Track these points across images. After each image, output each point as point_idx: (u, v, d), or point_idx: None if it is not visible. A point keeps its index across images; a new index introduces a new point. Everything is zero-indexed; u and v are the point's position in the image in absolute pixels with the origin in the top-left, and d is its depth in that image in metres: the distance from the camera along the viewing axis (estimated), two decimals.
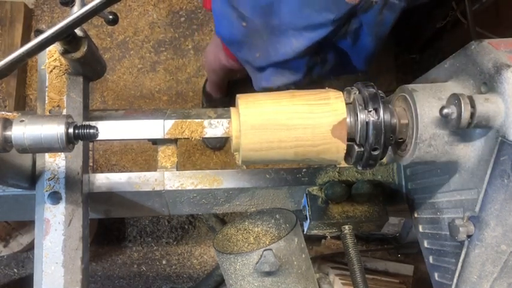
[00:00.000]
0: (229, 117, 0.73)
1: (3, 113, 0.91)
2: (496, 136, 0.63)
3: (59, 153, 0.89)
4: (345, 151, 0.71)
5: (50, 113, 0.91)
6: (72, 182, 0.88)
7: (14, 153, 0.74)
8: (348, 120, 0.70)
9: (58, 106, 0.91)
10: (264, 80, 1.25)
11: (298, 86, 1.81)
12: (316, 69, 1.24)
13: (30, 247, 1.72)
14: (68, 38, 0.84)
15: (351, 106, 0.71)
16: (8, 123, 0.69)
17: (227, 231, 0.95)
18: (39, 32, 0.79)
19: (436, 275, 0.84)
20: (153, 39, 2.27)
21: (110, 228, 2.08)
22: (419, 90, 0.70)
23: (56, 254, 0.83)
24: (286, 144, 0.70)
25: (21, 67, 2.16)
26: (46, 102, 0.91)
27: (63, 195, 0.86)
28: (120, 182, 0.99)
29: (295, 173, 1.03)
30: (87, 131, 0.73)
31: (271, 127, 0.70)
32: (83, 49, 0.86)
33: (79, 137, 0.73)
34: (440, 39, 2.04)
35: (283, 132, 0.70)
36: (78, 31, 0.86)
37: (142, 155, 2.13)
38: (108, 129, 0.99)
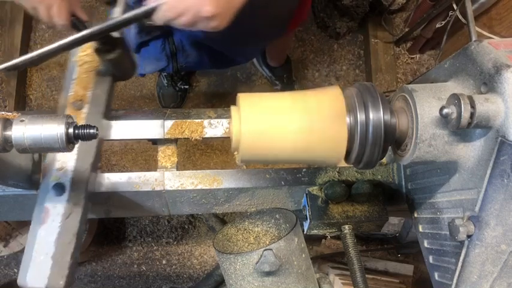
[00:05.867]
0: (229, 117, 0.73)
1: (3, 113, 0.91)
2: (495, 136, 0.63)
3: None
4: (344, 151, 0.71)
5: (72, 105, 0.90)
6: (79, 177, 0.88)
7: (14, 153, 0.74)
8: (347, 120, 0.70)
9: (81, 100, 0.90)
10: (140, 67, 1.37)
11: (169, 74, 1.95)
12: (179, 56, 1.36)
13: None
14: (104, 38, 0.83)
15: (350, 106, 0.71)
16: (8, 123, 0.69)
17: (227, 231, 0.95)
18: (77, 20, 0.81)
19: (436, 274, 0.84)
20: None
21: (110, 228, 2.08)
22: (419, 90, 0.70)
23: (48, 244, 0.82)
24: (285, 144, 0.70)
25: None
26: (70, 94, 0.91)
27: (68, 188, 0.86)
28: (120, 182, 0.99)
29: (295, 173, 1.03)
30: (87, 131, 0.73)
31: (271, 127, 0.70)
32: (118, 51, 0.86)
33: (79, 137, 0.73)
34: (440, 39, 2.04)
35: (282, 132, 0.70)
36: (114, 32, 0.86)
37: (142, 155, 2.13)
38: (108, 129, 0.99)
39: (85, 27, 0.90)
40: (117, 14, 0.87)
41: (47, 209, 0.84)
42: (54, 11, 0.85)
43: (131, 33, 1.26)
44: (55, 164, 0.88)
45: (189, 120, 1.01)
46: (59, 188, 0.85)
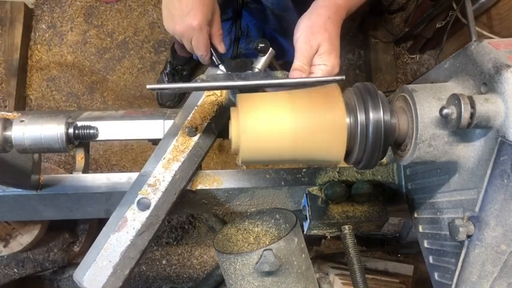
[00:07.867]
0: (229, 118, 0.73)
1: (3, 113, 0.91)
2: (495, 136, 0.63)
3: (174, 165, 0.88)
4: (344, 151, 0.71)
5: (186, 129, 0.90)
6: (166, 200, 0.87)
7: (14, 153, 0.74)
8: (347, 120, 0.70)
9: (196, 129, 0.90)
10: None
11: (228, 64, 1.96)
12: (242, 42, 1.34)
13: (30, 247, 1.72)
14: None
15: (350, 106, 0.71)
16: (8, 123, 0.69)
17: (227, 231, 0.95)
18: (214, 50, 0.90)
19: (436, 275, 0.84)
20: (153, 39, 2.27)
21: None
22: (419, 90, 0.70)
23: (115, 253, 0.82)
24: (285, 145, 0.70)
25: (21, 67, 2.16)
26: (188, 118, 0.91)
27: (152, 208, 0.85)
28: (120, 182, 0.99)
29: (295, 173, 1.03)
30: (87, 131, 0.73)
31: (271, 127, 0.70)
32: None
33: (79, 137, 0.73)
34: (440, 39, 2.04)
35: (282, 133, 0.70)
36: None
37: (142, 155, 2.13)
38: (108, 129, 0.99)
39: (221, 60, 0.92)
40: (260, 65, 0.87)
41: (125, 219, 0.84)
42: (193, 42, 0.88)
43: None
44: (150, 178, 0.87)
45: None
46: (144, 204, 0.85)
